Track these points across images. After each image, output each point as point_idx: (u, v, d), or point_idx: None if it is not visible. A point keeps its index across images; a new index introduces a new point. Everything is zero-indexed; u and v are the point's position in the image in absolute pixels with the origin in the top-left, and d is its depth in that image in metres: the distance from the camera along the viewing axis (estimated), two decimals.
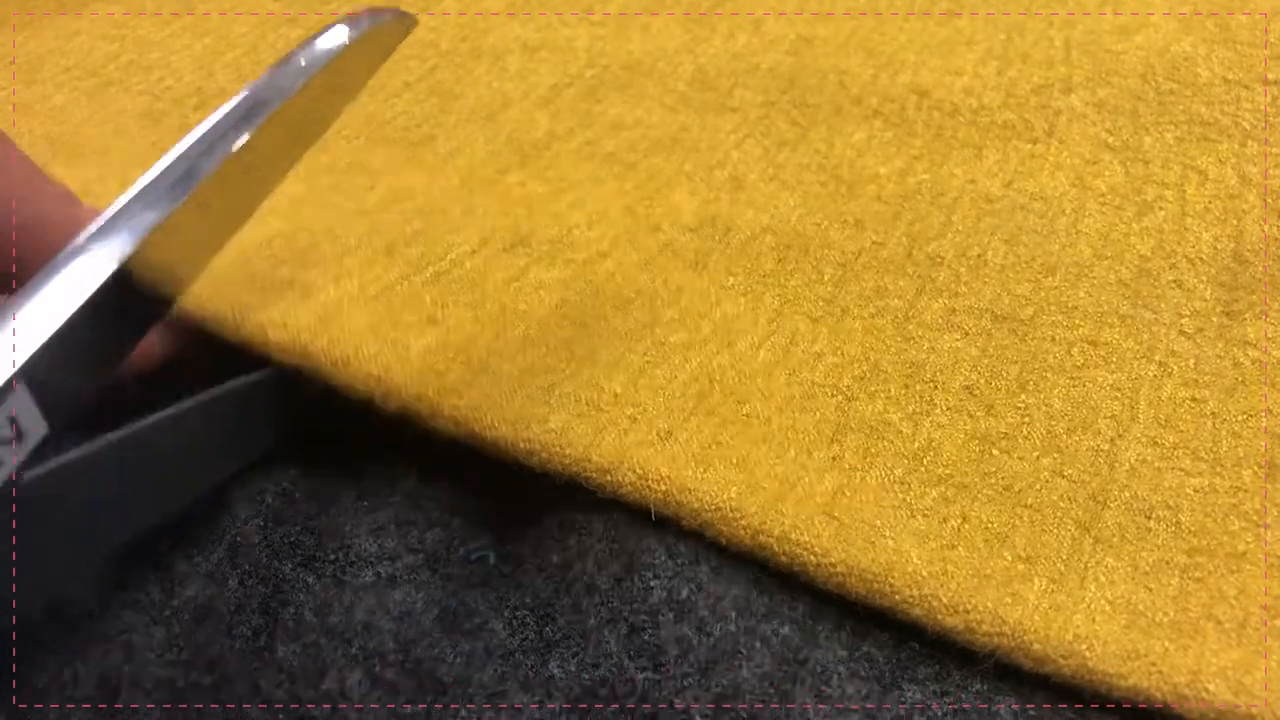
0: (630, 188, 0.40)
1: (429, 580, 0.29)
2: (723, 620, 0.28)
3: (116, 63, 0.48)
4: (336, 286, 0.33)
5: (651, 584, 0.28)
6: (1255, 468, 0.30)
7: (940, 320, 0.35)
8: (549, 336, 0.33)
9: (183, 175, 0.27)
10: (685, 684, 0.26)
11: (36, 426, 0.25)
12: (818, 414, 0.32)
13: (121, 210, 0.26)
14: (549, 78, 0.47)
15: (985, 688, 0.27)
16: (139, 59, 0.48)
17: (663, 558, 0.29)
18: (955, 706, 0.26)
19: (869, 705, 0.26)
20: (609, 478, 0.29)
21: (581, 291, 0.35)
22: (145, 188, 0.27)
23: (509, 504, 0.31)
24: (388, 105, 0.46)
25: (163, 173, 0.27)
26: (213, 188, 0.28)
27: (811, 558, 0.28)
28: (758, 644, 0.27)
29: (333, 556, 0.30)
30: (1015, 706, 0.26)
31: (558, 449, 0.30)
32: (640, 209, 0.39)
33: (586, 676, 0.27)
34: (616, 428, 0.30)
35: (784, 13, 0.50)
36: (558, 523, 0.30)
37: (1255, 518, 0.29)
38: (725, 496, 0.29)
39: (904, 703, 0.26)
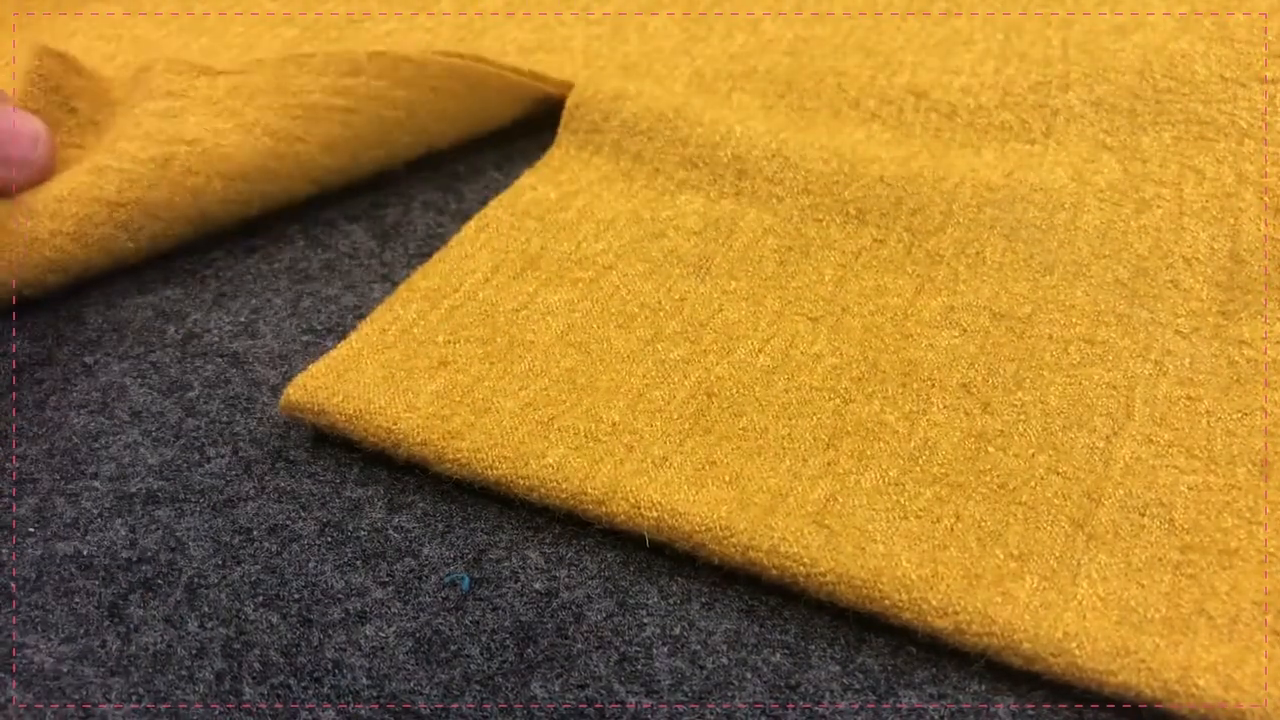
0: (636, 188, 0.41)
1: (400, 612, 0.28)
2: (715, 654, 0.27)
3: (113, 64, 0.48)
4: (357, 334, 0.34)
5: (644, 620, 0.28)
6: (1249, 466, 0.30)
7: (939, 318, 0.35)
8: (552, 367, 0.33)
9: None
10: (680, 711, 0.26)
11: None
12: (814, 419, 0.32)
13: None
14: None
15: (983, 688, 0.26)
16: (135, 59, 0.48)
17: (655, 598, 0.29)
18: (954, 708, 0.26)
19: (861, 719, 0.26)
20: (604, 509, 0.30)
21: (588, 312, 0.35)
22: None
23: (485, 535, 0.30)
24: None
25: None
26: None
27: (801, 569, 0.28)
28: (749, 675, 0.27)
29: (297, 595, 0.29)
30: (1014, 706, 0.26)
31: (555, 483, 0.30)
32: (646, 213, 0.39)
33: (572, 697, 0.27)
34: (613, 458, 0.31)
35: (782, 12, 0.50)
36: (543, 555, 0.30)
37: (1249, 515, 0.28)
38: (716, 516, 0.29)
39: (900, 710, 0.26)
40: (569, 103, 0.43)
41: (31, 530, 0.30)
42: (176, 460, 0.32)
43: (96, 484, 0.32)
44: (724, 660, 0.27)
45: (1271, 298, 0.34)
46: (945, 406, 0.32)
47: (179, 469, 0.32)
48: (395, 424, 0.31)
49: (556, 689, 0.27)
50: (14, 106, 0.38)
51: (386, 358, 0.34)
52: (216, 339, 0.36)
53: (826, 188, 0.39)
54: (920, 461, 0.30)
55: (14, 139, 0.36)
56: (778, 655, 0.27)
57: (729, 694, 0.27)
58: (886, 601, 0.27)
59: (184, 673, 0.27)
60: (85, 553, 0.30)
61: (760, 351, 0.34)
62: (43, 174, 0.37)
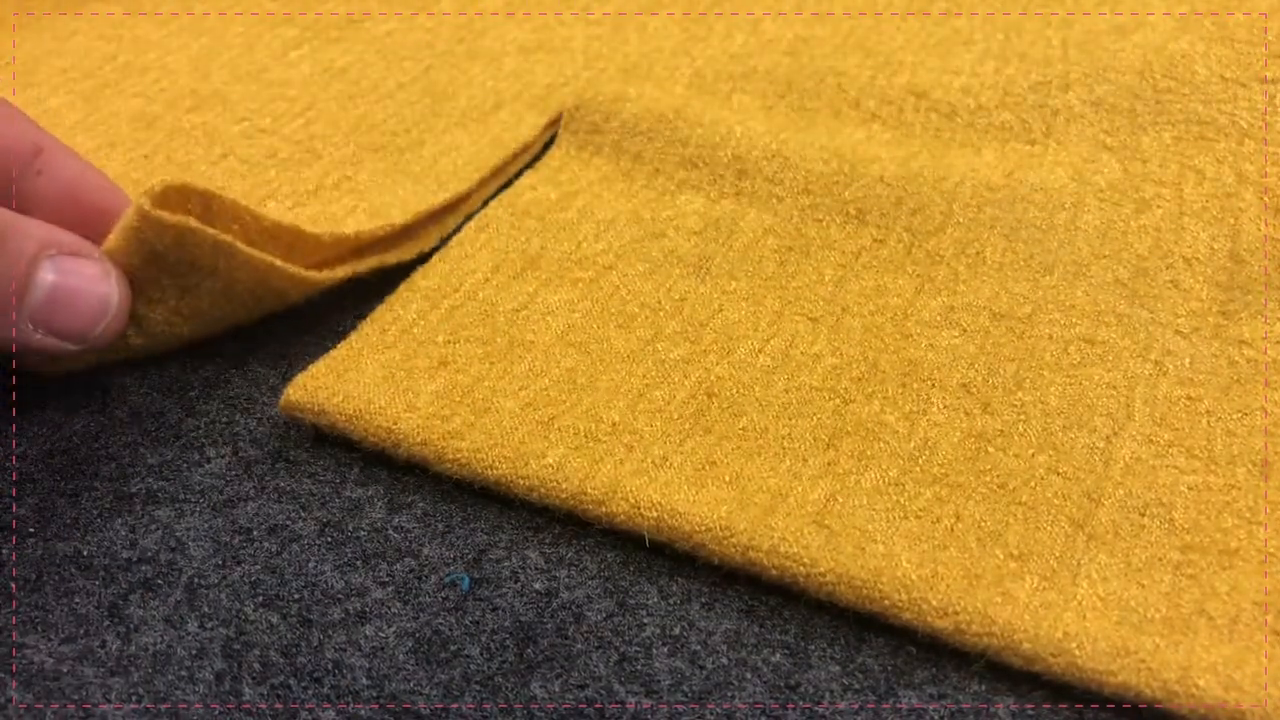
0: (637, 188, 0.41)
1: (400, 612, 0.28)
2: (714, 654, 0.27)
3: (113, 64, 0.48)
4: (357, 334, 0.35)
5: (644, 620, 0.28)
6: (1249, 466, 0.30)
7: (939, 318, 0.35)
8: (552, 367, 0.33)
9: None
10: (680, 711, 0.26)
11: None
12: (814, 419, 0.32)
13: None
14: (544, 78, 0.47)
15: (983, 688, 0.26)
16: (135, 60, 0.48)
17: (655, 598, 0.29)
18: (954, 708, 0.26)
19: (861, 719, 0.26)
20: (604, 509, 0.29)
21: (588, 312, 0.35)
22: None
23: (485, 535, 0.30)
24: (379, 106, 0.46)
25: None
26: None
27: (801, 569, 0.28)
28: (749, 675, 0.27)
29: (297, 595, 0.29)
30: (1014, 706, 0.26)
31: (555, 483, 0.30)
32: (646, 213, 0.39)
33: (572, 697, 0.27)
34: (613, 458, 0.31)
35: (782, 12, 0.50)
36: (543, 555, 0.30)
37: (1249, 515, 0.28)
38: (716, 516, 0.29)
39: (900, 710, 0.26)
40: (569, 103, 0.43)
41: (31, 530, 0.30)
42: (176, 460, 0.32)
43: (96, 484, 0.32)
44: (724, 660, 0.27)
45: (1271, 298, 0.34)
46: (945, 406, 0.32)
47: (179, 469, 0.32)
48: (395, 424, 0.31)
49: (556, 689, 0.27)
50: (96, 259, 0.31)
51: (386, 358, 0.34)
52: (217, 339, 0.36)
53: (826, 188, 0.39)
54: (920, 461, 0.30)
55: (73, 304, 0.31)
56: (778, 655, 0.27)
57: (729, 694, 0.27)
58: (886, 601, 0.27)
59: (184, 673, 0.27)
60: (85, 553, 0.30)
61: (760, 351, 0.34)
62: (104, 346, 0.32)
